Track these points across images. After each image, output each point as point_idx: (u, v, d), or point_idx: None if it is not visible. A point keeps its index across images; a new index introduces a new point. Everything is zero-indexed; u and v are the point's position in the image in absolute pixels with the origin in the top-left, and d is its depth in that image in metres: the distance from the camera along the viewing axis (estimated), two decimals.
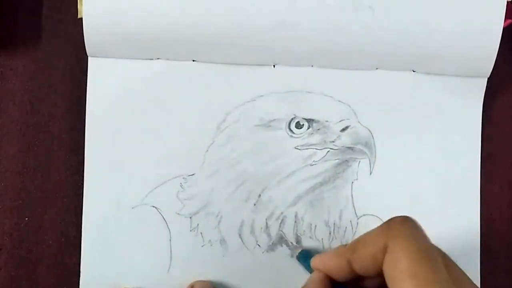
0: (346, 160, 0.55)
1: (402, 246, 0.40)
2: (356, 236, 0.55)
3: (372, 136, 0.55)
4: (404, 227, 0.41)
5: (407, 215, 0.43)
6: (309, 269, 0.51)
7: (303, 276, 0.53)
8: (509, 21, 0.53)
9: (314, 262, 0.48)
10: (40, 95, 0.54)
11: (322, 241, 0.55)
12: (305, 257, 0.53)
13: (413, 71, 0.55)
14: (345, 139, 0.55)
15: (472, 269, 0.56)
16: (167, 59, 0.53)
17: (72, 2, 0.51)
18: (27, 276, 0.54)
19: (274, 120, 0.55)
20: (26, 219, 0.54)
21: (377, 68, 0.55)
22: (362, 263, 0.43)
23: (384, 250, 0.41)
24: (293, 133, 0.55)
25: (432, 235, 0.55)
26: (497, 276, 0.58)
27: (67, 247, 0.54)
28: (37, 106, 0.54)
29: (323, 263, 0.47)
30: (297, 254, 0.54)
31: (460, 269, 0.42)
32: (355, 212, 0.55)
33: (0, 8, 0.54)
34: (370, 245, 0.42)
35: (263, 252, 0.54)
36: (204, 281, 0.53)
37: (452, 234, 0.56)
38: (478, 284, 0.56)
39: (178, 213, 0.54)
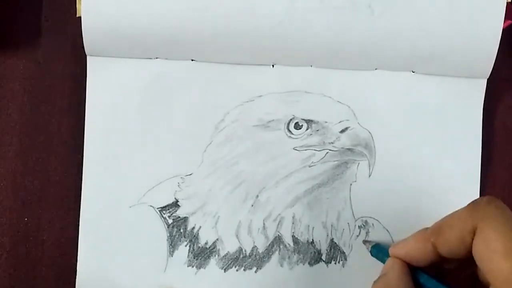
0: (345, 162, 0.55)
1: (493, 226, 0.40)
2: (353, 239, 0.55)
3: (372, 137, 0.55)
4: (491, 208, 0.41)
5: (490, 196, 0.43)
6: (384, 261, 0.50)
7: (299, 276, 0.53)
8: (508, 22, 0.53)
9: (394, 249, 0.47)
10: (40, 95, 0.55)
11: (320, 243, 0.54)
12: (378, 250, 0.52)
13: (413, 72, 0.55)
14: (345, 141, 0.55)
15: None
16: (166, 59, 0.53)
17: (72, 1, 0.52)
18: (27, 276, 0.54)
19: (273, 120, 0.54)
20: (26, 219, 0.54)
21: (376, 69, 0.55)
22: (449, 246, 0.43)
23: (472, 232, 0.41)
24: (292, 134, 0.54)
25: None
26: None
27: (66, 247, 0.54)
28: (36, 106, 0.55)
29: (405, 249, 0.46)
30: (369, 248, 0.53)
31: None
32: (353, 214, 0.55)
33: (0, 8, 0.54)
34: (456, 227, 0.42)
35: (260, 253, 0.54)
36: None
37: None
38: None
39: (176, 213, 0.54)
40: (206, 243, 0.54)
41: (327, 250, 0.55)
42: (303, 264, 0.54)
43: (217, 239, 0.54)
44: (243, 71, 0.54)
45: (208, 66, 0.54)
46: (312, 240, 0.54)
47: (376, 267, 0.54)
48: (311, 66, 0.54)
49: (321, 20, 0.52)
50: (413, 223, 0.55)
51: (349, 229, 0.55)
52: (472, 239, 0.41)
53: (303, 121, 0.55)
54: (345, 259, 0.55)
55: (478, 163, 0.56)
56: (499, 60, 0.53)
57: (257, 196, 0.54)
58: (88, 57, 0.53)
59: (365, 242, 0.54)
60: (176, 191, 0.54)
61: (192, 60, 0.54)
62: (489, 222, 0.40)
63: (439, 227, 0.44)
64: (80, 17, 0.51)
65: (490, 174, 0.58)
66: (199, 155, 0.54)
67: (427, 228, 0.45)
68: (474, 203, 0.42)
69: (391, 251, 0.47)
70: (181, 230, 0.54)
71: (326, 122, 0.55)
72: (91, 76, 0.53)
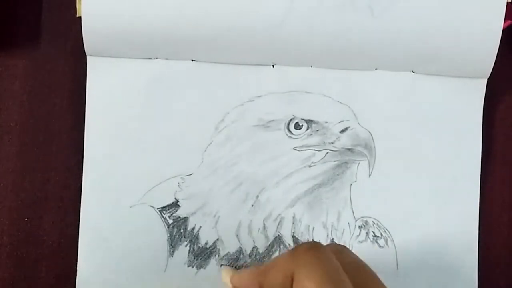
0: (345, 162, 0.55)
1: (307, 275, 0.39)
2: (354, 239, 0.55)
3: (372, 137, 0.55)
4: (308, 256, 0.40)
5: (315, 241, 0.43)
6: None
7: None
8: (509, 22, 0.53)
9: (233, 279, 0.48)
10: (40, 95, 0.55)
11: None
12: None
13: (413, 72, 0.55)
14: (345, 141, 0.55)
15: (470, 270, 0.56)
16: (166, 59, 0.53)
17: (72, 1, 0.52)
18: (27, 276, 0.54)
19: (273, 120, 0.54)
20: (26, 219, 0.54)
21: (376, 69, 0.55)
22: None
23: (292, 278, 0.40)
24: (292, 134, 0.54)
25: (431, 236, 0.56)
26: (496, 277, 0.58)
27: (66, 247, 0.54)
28: (36, 106, 0.55)
29: (239, 282, 0.47)
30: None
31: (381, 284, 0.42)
32: (353, 214, 0.55)
33: (0, 8, 0.54)
34: (279, 271, 0.42)
35: (260, 253, 0.54)
36: None
37: (451, 236, 0.55)
38: (476, 285, 0.56)
39: (176, 213, 0.54)
40: (206, 243, 0.54)
41: None
42: None
43: (217, 239, 0.54)
44: (243, 71, 0.54)
45: (208, 66, 0.54)
46: (312, 240, 0.54)
47: (375, 268, 0.54)
48: (311, 66, 0.54)
49: (321, 20, 0.52)
50: (413, 223, 0.55)
51: (349, 229, 0.55)
52: (292, 285, 0.41)
53: (303, 121, 0.55)
54: None
55: (478, 163, 0.56)
56: (499, 60, 0.53)
57: (257, 196, 0.54)
58: (88, 57, 0.52)
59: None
60: (176, 191, 0.54)
61: (192, 60, 0.53)
62: (304, 270, 0.40)
63: (267, 268, 0.43)
64: (80, 17, 0.50)
65: (490, 173, 0.58)
66: (199, 155, 0.54)
67: (260, 265, 0.45)
68: (294, 249, 0.42)
69: (231, 279, 0.48)
70: (181, 230, 0.54)
71: (326, 122, 0.55)
72: (91, 76, 0.53)
